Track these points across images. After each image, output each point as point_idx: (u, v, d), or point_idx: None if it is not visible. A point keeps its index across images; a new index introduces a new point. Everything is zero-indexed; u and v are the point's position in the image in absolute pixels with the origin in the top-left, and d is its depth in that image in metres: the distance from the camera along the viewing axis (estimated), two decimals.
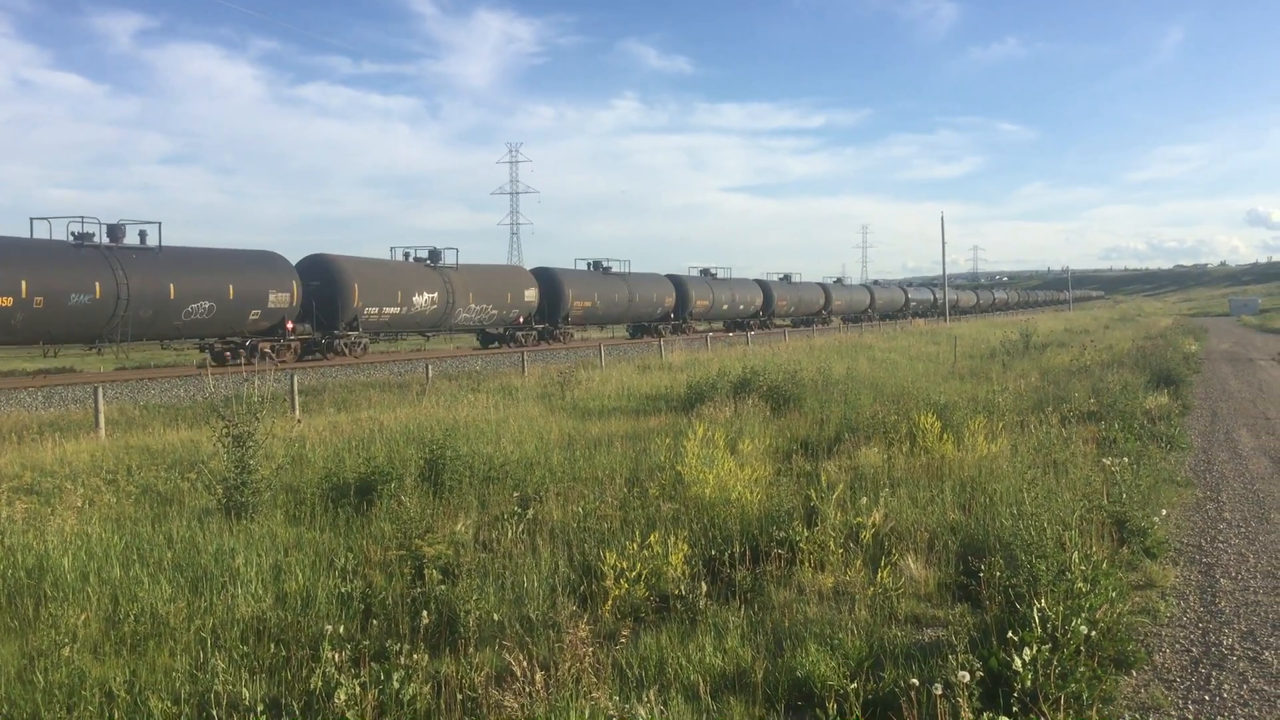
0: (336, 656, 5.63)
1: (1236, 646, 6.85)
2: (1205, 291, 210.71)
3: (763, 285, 70.92)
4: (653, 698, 5.44)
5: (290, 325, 33.93)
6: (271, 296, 32.72)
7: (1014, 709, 5.23)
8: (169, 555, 7.92)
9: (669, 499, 9.71)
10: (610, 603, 6.99)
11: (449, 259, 42.18)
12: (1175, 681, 6.26)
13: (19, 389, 23.98)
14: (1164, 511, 10.13)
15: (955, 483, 10.38)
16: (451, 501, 10.03)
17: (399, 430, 14.35)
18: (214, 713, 5.22)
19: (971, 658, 5.60)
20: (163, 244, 30.18)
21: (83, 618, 6.68)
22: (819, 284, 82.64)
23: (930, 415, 12.67)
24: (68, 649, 6.12)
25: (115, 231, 28.92)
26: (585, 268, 53.94)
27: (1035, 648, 5.61)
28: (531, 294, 45.69)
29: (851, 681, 5.46)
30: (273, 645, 6.27)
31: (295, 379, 19.47)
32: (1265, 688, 6.15)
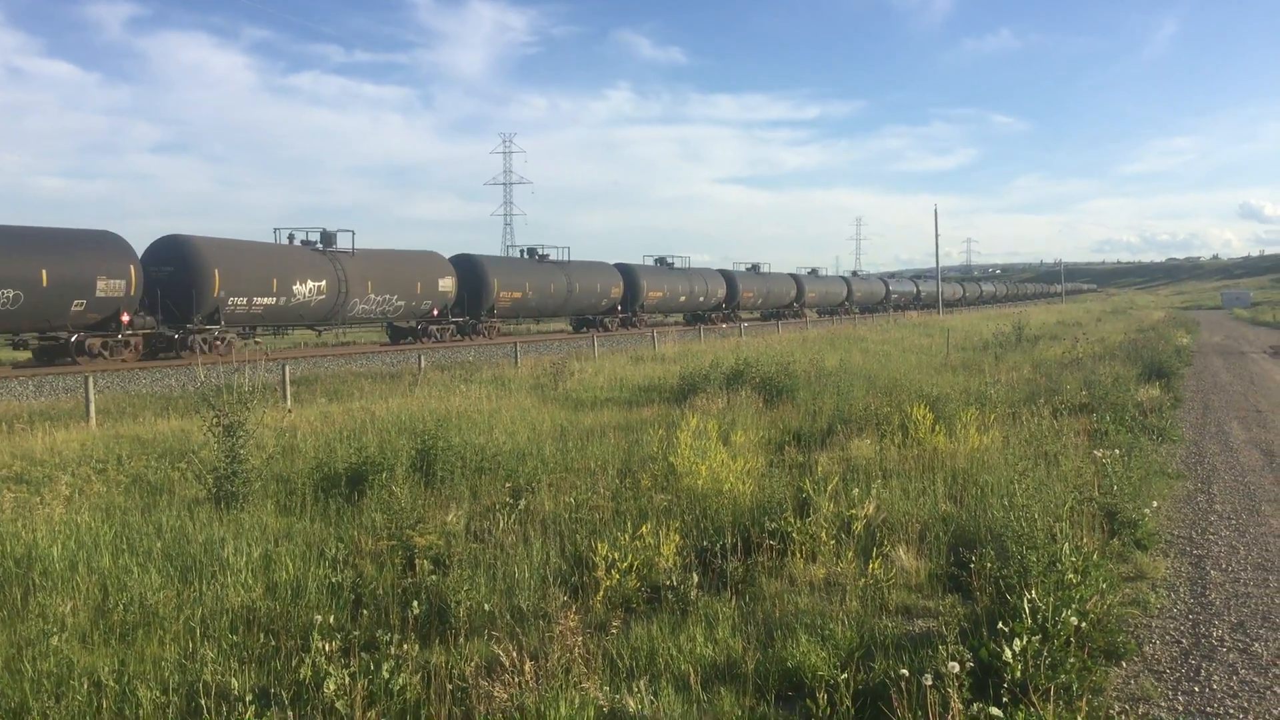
0: (326, 646, 5.61)
1: (1226, 638, 6.86)
2: (1197, 285, 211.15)
3: (726, 276, 66.86)
4: (643, 688, 5.43)
5: (126, 318, 28.87)
6: (100, 284, 27.56)
7: (1004, 700, 5.23)
8: (158, 545, 7.89)
9: (661, 490, 9.70)
10: (601, 593, 6.98)
11: (344, 242, 37.20)
12: (1165, 673, 6.27)
13: (10, 378, 23.88)
14: (1155, 503, 10.15)
15: (947, 474, 10.39)
16: (443, 492, 10.01)
17: (391, 420, 14.33)
18: (203, 702, 5.20)
19: (962, 648, 5.61)
20: None
21: (71, 607, 6.65)
22: (790, 275, 78.00)
23: (922, 407, 12.67)
24: (56, 638, 6.09)
25: None
26: (520, 255, 49.92)
27: (1025, 639, 5.61)
28: (447, 283, 40.89)
29: (842, 672, 5.46)
30: (262, 635, 6.26)
31: (287, 369, 19.42)
32: (1255, 679, 6.16)
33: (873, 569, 7.37)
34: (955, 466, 10.79)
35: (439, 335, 40.92)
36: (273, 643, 6.13)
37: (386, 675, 5.46)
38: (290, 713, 5.14)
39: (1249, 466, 13.21)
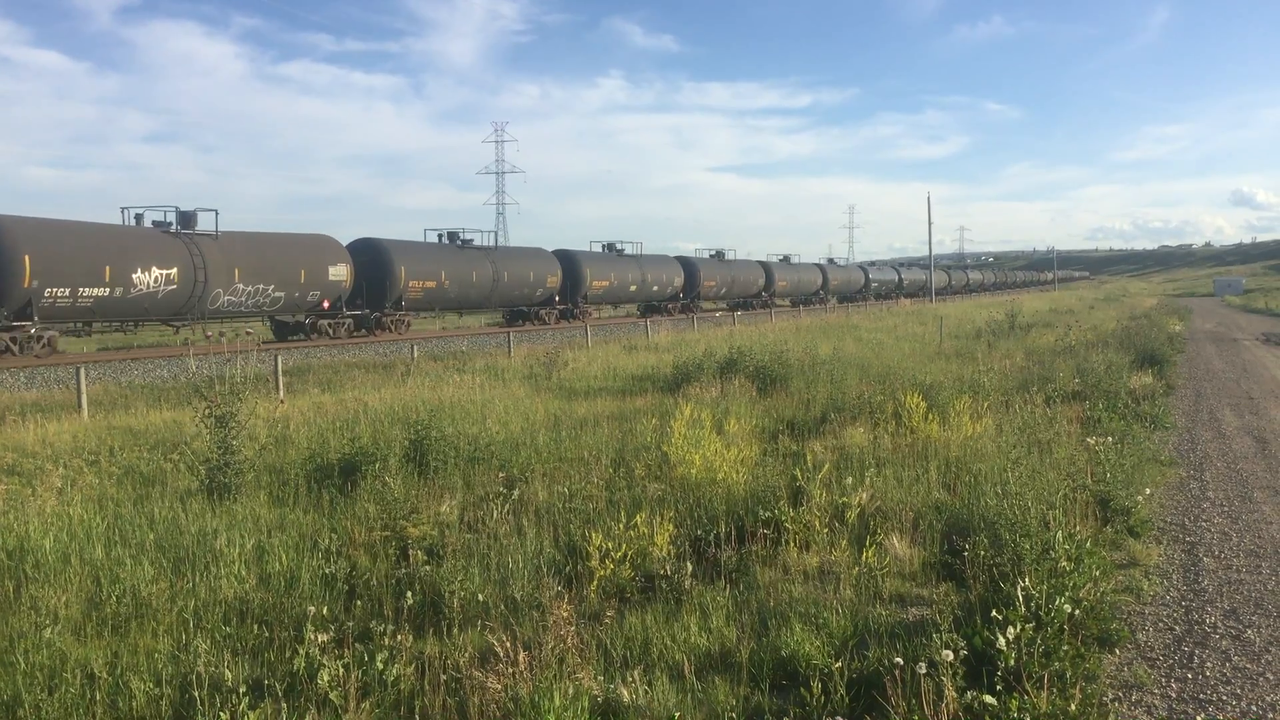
0: (320, 638, 5.59)
1: (1219, 625, 6.88)
2: (1190, 272, 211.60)
3: (685, 263, 61.83)
4: (637, 678, 5.43)
5: None
6: None
7: (998, 687, 5.24)
8: (151, 536, 7.87)
9: (655, 479, 9.70)
10: (595, 583, 6.98)
11: (206, 223, 31.24)
12: (1158, 660, 6.28)
13: (1, 369, 23.79)
14: (1148, 490, 10.16)
15: (940, 462, 10.40)
16: (436, 482, 9.99)
17: (384, 411, 14.31)
18: (196, 694, 5.18)
19: (956, 637, 5.61)
20: None
21: (64, 599, 6.64)
22: (758, 262, 72.60)
23: (916, 395, 12.68)
24: (49, 630, 6.08)
25: None
26: (438, 240, 43.97)
27: (1019, 626, 5.63)
28: (340, 271, 35.21)
29: (836, 661, 5.46)
30: (256, 626, 6.24)
31: (280, 359, 19.38)
32: (1248, 665, 6.18)
33: (866, 557, 7.37)
34: (948, 455, 10.80)
35: (332, 331, 35.35)
36: (266, 634, 6.12)
37: (380, 666, 5.45)
38: (284, 704, 5.12)
39: (1241, 453, 13.25)
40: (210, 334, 15.35)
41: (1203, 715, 5.50)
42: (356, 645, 5.65)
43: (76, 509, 8.60)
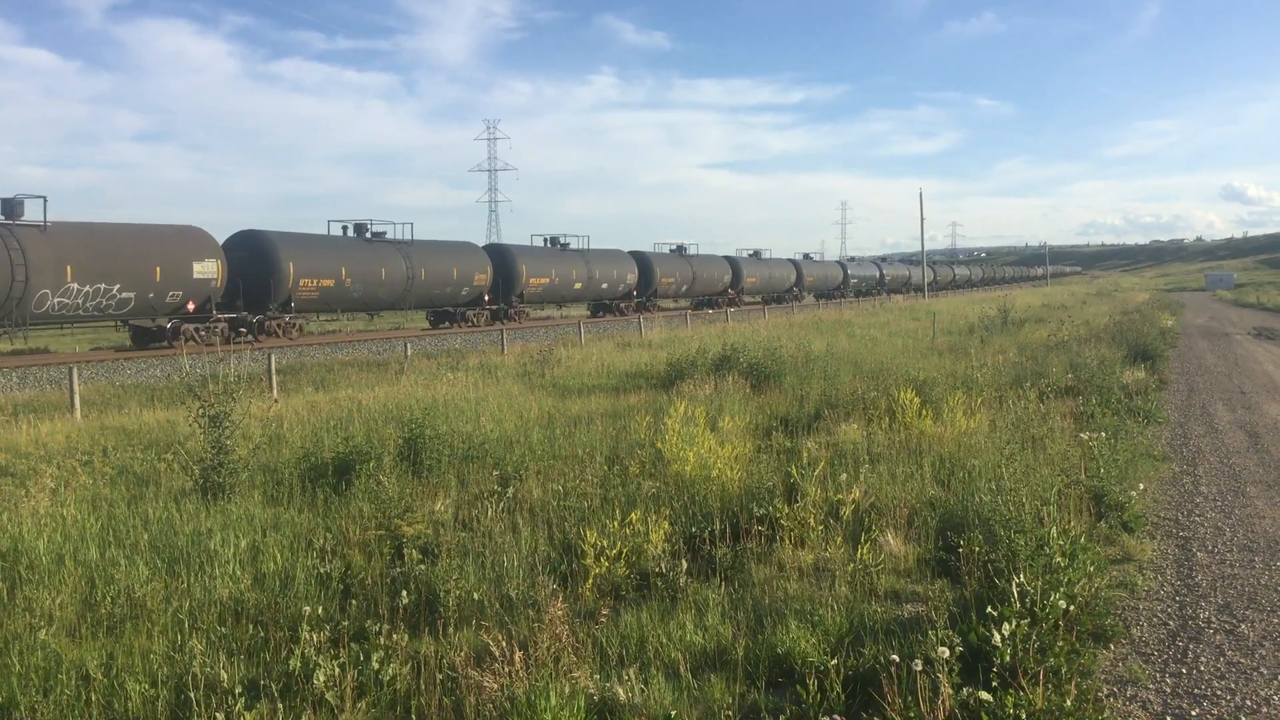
0: (315, 637, 5.59)
1: (1213, 619, 6.90)
2: (1182, 266, 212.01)
3: (639, 259, 56.96)
4: (633, 676, 5.43)
5: None
6: None
7: (993, 684, 5.24)
8: (145, 537, 7.85)
9: (649, 477, 9.70)
10: (591, 581, 6.97)
11: (34, 211, 26.45)
12: (1153, 655, 6.30)
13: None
14: (1141, 486, 10.20)
15: (934, 458, 10.40)
16: (431, 481, 9.98)
17: (377, 409, 14.29)
18: (192, 695, 5.17)
19: (951, 633, 5.62)
20: None
21: (58, 600, 6.62)
22: (724, 258, 68.47)
23: (909, 391, 12.70)
24: (44, 632, 6.07)
25: None
26: (341, 233, 38.90)
27: (1014, 623, 5.64)
28: (208, 268, 30.65)
29: (832, 658, 5.47)
30: (251, 626, 6.23)
31: (273, 358, 19.34)
32: (1242, 660, 6.20)
33: (861, 554, 7.38)
34: (942, 451, 10.81)
35: (201, 336, 30.84)
36: (261, 634, 6.11)
37: (376, 666, 5.45)
38: (280, 704, 5.12)
39: (1234, 448, 13.28)
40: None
41: (1197, 710, 5.52)
42: (352, 645, 5.64)
43: (70, 509, 8.57)
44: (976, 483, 8.85)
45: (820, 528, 8.02)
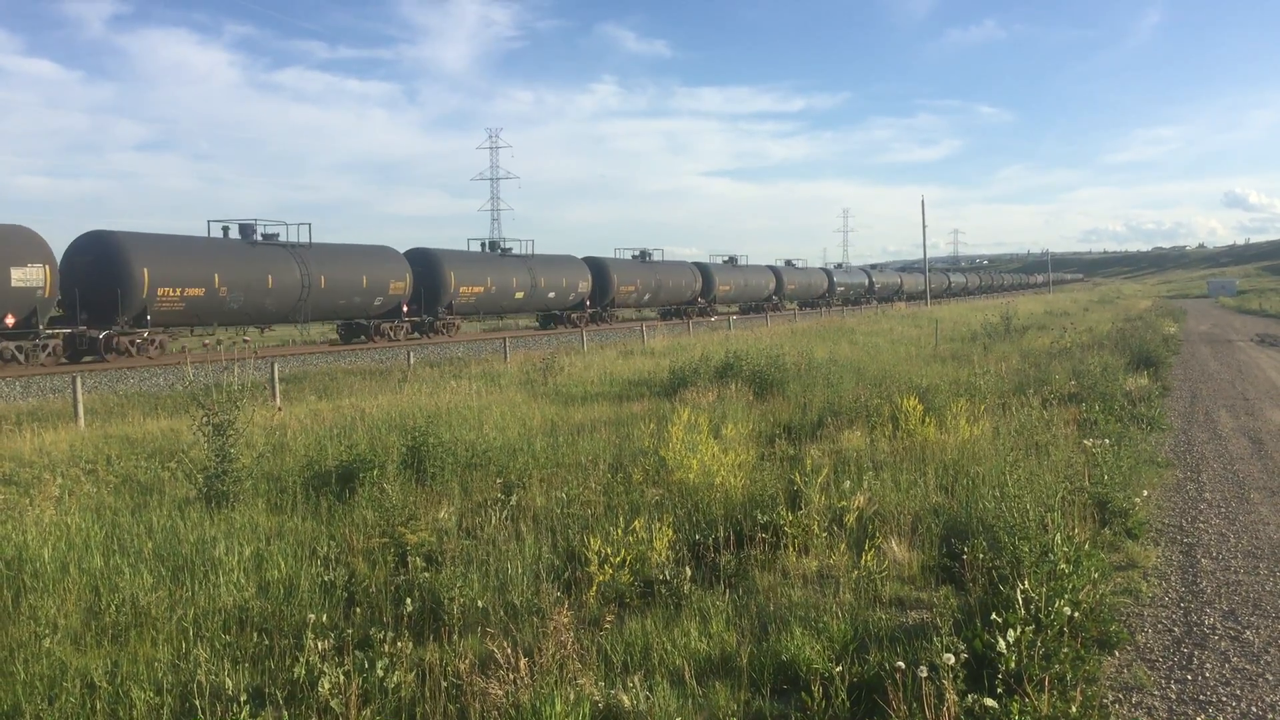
0: (320, 645, 5.60)
1: (1218, 626, 6.89)
2: (1183, 273, 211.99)
3: (595, 265, 52.51)
4: (638, 683, 5.43)
5: None
6: None
7: (999, 691, 5.24)
8: (150, 545, 7.85)
9: (653, 484, 9.71)
10: (594, 588, 6.97)
11: None
12: (1158, 661, 6.29)
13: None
14: (1145, 492, 10.18)
15: (938, 465, 10.41)
16: (434, 488, 9.99)
17: (381, 417, 14.30)
18: (197, 703, 5.18)
19: (956, 640, 5.62)
20: None
21: (63, 608, 6.63)
22: (694, 264, 64.20)
23: (912, 398, 12.70)
24: (48, 640, 6.08)
25: None
26: (223, 234, 34.38)
27: (1019, 629, 5.63)
28: (31, 275, 26.53)
29: (837, 664, 5.47)
30: (255, 634, 6.24)
31: (275, 366, 19.36)
32: (1247, 666, 6.19)
33: (865, 561, 7.37)
34: (946, 458, 10.81)
35: (26, 356, 26.68)
36: (266, 642, 6.11)
37: (381, 673, 5.45)
38: (285, 712, 5.13)
39: (1237, 454, 13.27)
40: (207, 343, 15.33)
41: (1203, 716, 5.51)
42: (356, 652, 5.64)
43: (74, 518, 8.58)
44: (980, 489, 8.85)
45: (824, 535, 8.02)
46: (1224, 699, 5.75)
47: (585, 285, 51.11)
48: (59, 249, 28.65)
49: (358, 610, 6.70)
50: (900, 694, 5.08)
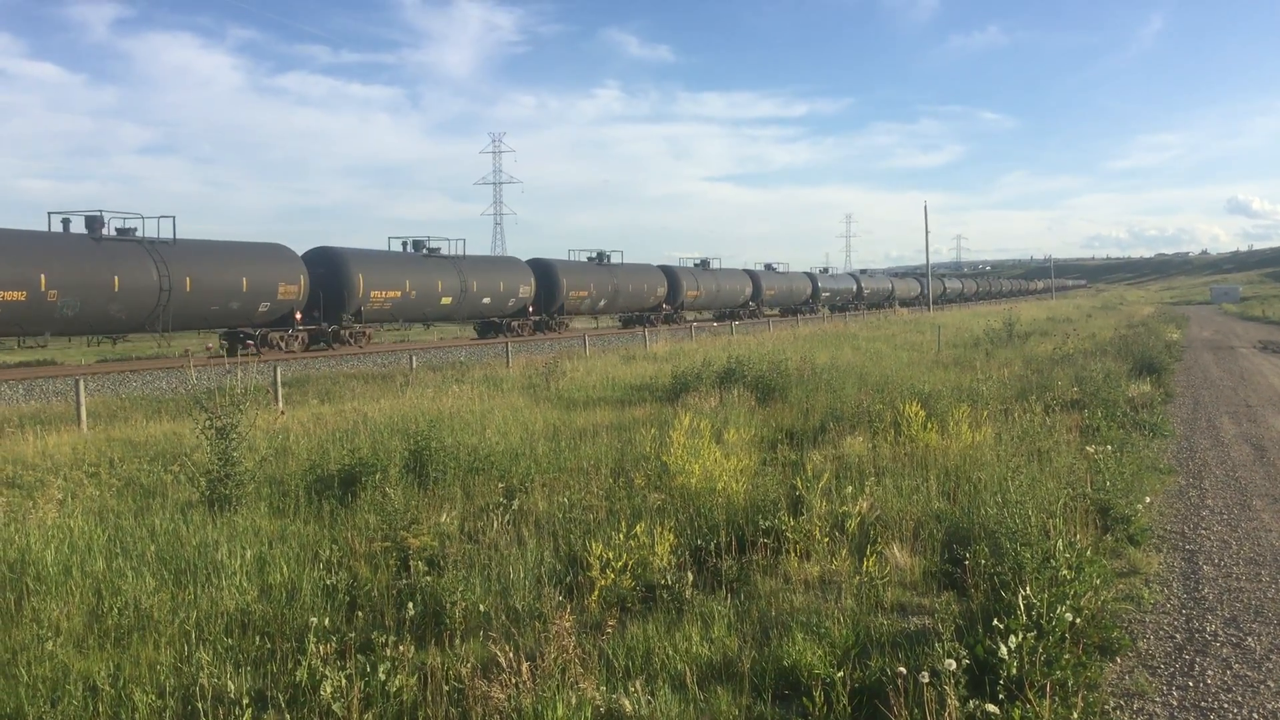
0: (322, 649, 5.61)
1: (1220, 632, 6.89)
2: (1187, 280, 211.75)
3: (541, 270, 47.35)
4: (639, 688, 5.44)
5: None
6: None
7: (1000, 696, 5.25)
8: (152, 548, 7.87)
9: (655, 489, 9.70)
10: (596, 593, 6.98)
11: None
12: (1159, 668, 6.29)
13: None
14: (1147, 499, 10.19)
15: (940, 471, 10.40)
16: (436, 493, 10.00)
17: (383, 421, 14.31)
18: (199, 706, 5.19)
19: (957, 646, 5.62)
20: None
21: (66, 611, 6.64)
22: (661, 268, 59.38)
23: (914, 404, 12.69)
24: (51, 643, 6.09)
25: None
26: (64, 227, 28.50)
27: (1020, 635, 5.63)
28: None
29: (838, 670, 5.47)
30: (258, 638, 6.24)
31: (278, 370, 19.38)
32: (1248, 673, 6.19)
33: (867, 566, 7.38)
34: (948, 463, 10.80)
35: None
36: (268, 645, 6.12)
37: (383, 677, 5.45)
38: (287, 715, 5.13)
39: (1240, 461, 13.26)
40: (210, 345, 15.35)
41: None
42: (359, 656, 5.65)
43: (77, 521, 8.59)
44: (982, 496, 8.85)
45: (826, 540, 8.02)
46: (1225, 706, 5.74)
47: (527, 290, 45.87)
48: None
49: (360, 614, 6.71)
50: (902, 700, 5.08)
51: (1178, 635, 6.86)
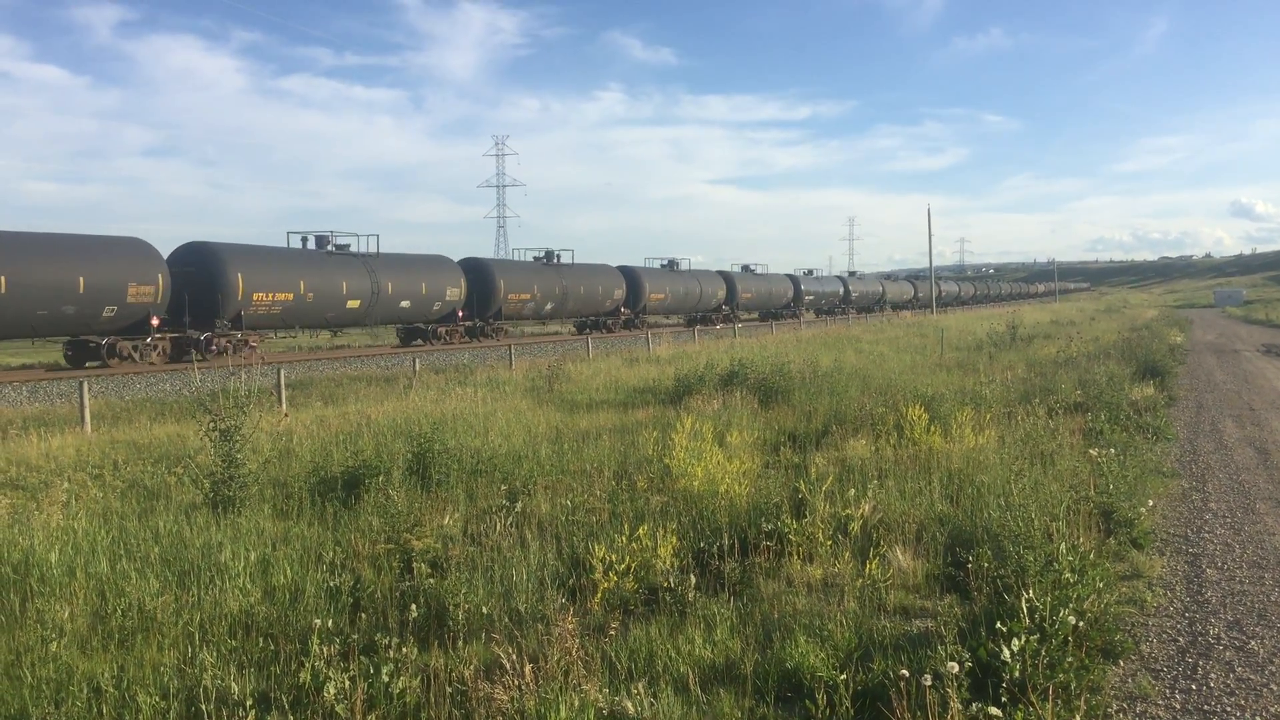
0: (325, 650, 5.61)
1: (1223, 636, 6.88)
2: (1190, 283, 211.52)
3: (474, 269, 43.01)
4: (642, 690, 5.44)
5: None
6: None
7: (1003, 699, 5.25)
8: (156, 550, 7.88)
9: (657, 492, 9.72)
10: (599, 595, 6.99)
11: None
12: (1162, 671, 6.29)
13: (2, 384, 23.80)
14: (1150, 502, 10.17)
15: (943, 474, 10.40)
16: (439, 495, 10.00)
17: (386, 424, 14.32)
18: (203, 707, 5.20)
19: (960, 648, 5.62)
20: None
21: (70, 612, 6.65)
22: (620, 269, 54.73)
23: (918, 407, 12.70)
24: (55, 644, 6.09)
25: None
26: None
27: (1023, 638, 5.63)
28: None
29: (841, 672, 5.47)
30: (261, 639, 6.25)
31: (282, 372, 19.40)
32: (1251, 677, 6.19)
33: (870, 569, 7.38)
34: (951, 466, 10.80)
35: None
36: (272, 647, 6.13)
37: (386, 678, 5.46)
38: (290, 717, 5.14)
39: (1243, 464, 13.25)
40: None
41: None
42: (362, 658, 5.65)
43: (81, 522, 8.62)
44: (985, 498, 8.86)
45: (829, 543, 8.02)
46: (1228, 709, 5.74)
47: (457, 292, 41.44)
48: None
49: (363, 616, 6.72)
50: (904, 702, 5.08)
51: (1181, 639, 6.85)
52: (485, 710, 5.26)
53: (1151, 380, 21.52)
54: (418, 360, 25.94)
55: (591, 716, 5.14)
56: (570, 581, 7.28)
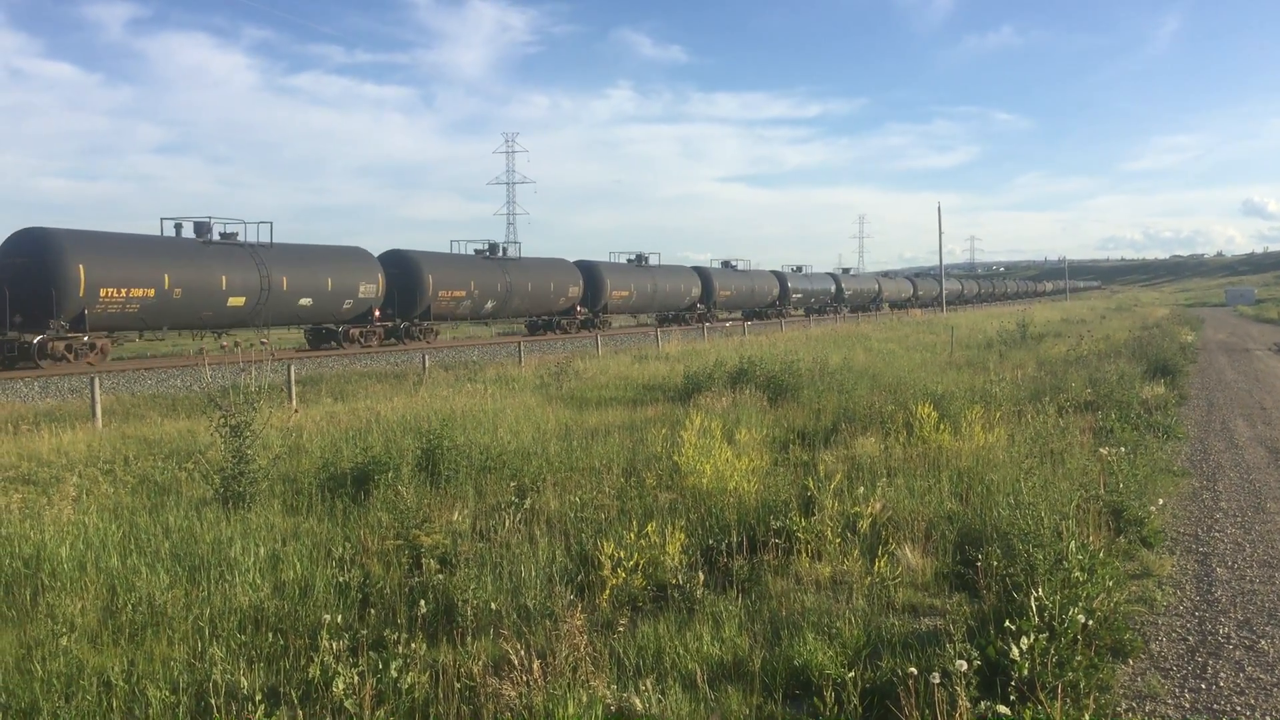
0: (334, 646, 5.62)
1: (1233, 635, 6.86)
2: (1201, 282, 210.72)
3: (398, 262, 37.98)
4: (650, 686, 5.44)
5: None
6: None
7: (1011, 698, 5.24)
8: (166, 545, 7.92)
9: (666, 489, 9.72)
10: (608, 592, 6.99)
11: None
12: (1172, 670, 6.27)
13: (15, 379, 23.89)
14: (1160, 501, 10.14)
15: (952, 472, 10.38)
16: (448, 491, 10.02)
17: (396, 420, 14.35)
18: (212, 702, 5.22)
19: (969, 647, 5.61)
20: None
21: (80, 607, 6.68)
22: (579, 264, 49.72)
23: (927, 405, 12.67)
24: (65, 638, 6.12)
25: None
26: None
27: (1032, 637, 5.62)
28: None
29: (849, 670, 5.47)
30: (271, 635, 6.27)
31: (292, 369, 19.45)
32: (1261, 676, 6.17)
33: (879, 567, 7.38)
34: (960, 465, 10.79)
35: None
36: (281, 642, 6.15)
37: (395, 674, 5.47)
38: (300, 712, 5.16)
39: (1254, 464, 13.20)
40: (225, 344, 15.41)
41: None
42: (371, 653, 5.67)
43: (92, 517, 8.65)
44: (995, 497, 8.84)
45: (837, 541, 8.01)
46: (1238, 708, 5.72)
47: (373, 289, 36.32)
48: None
49: (372, 611, 6.73)
50: (913, 700, 5.08)
51: (1190, 638, 6.83)
52: (494, 706, 5.28)
53: (1162, 379, 21.46)
54: (427, 357, 25.95)
55: (599, 713, 5.15)
56: (579, 578, 7.29)
